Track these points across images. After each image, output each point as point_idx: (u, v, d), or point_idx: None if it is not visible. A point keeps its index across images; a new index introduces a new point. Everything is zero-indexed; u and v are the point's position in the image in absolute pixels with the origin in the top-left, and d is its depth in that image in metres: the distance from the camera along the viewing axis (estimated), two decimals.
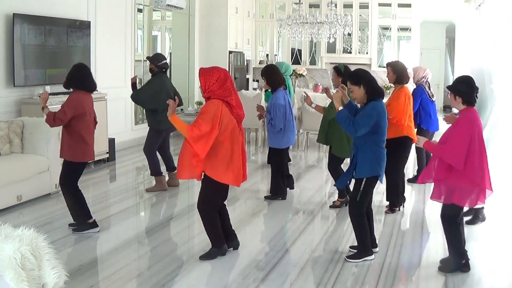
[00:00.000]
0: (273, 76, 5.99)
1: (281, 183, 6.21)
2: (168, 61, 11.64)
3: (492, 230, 5.24)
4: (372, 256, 4.36)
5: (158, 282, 3.91)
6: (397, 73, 5.59)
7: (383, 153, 4.27)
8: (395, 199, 5.68)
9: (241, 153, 4.21)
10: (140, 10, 10.37)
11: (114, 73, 8.79)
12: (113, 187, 6.95)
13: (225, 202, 4.52)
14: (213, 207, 4.28)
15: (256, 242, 4.88)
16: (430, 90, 6.78)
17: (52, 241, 4.43)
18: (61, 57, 7.37)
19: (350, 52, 12.88)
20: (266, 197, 6.22)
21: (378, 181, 4.30)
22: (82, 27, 7.76)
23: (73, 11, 7.65)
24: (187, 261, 4.31)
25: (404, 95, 5.52)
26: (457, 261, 4.10)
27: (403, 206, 5.81)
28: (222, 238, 4.36)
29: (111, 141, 8.04)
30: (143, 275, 4.05)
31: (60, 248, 4.48)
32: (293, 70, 10.69)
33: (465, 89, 3.90)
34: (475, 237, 4.94)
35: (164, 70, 6.41)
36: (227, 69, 11.70)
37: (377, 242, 4.55)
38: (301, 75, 11.53)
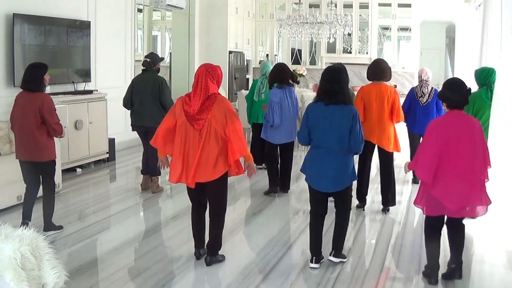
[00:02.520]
0: (277, 74, 6.25)
1: (272, 178, 6.35)
2: (168, 60, 11.73)
3: (492, 230, 5.24)
4: (312, 264, 4.19)
5: (158, 282, 3.91)
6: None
7: (310, 154, 4.19)
8: (358, 194, 5.73)
9: (186, 153, 4.05)
10: (140, 10, 10.38)
11: (114, 73, 8.79)
12: (113, 187, 6.95)
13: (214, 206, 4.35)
14: (192, 206, 4.35)
15: (256, 242, 4.87)
16: (420, 89, 6.67)
17: (52, 241, 4.45)
18: (61, 57, 7.37)
19: (350, 52, 12.87)
20: (264, 193, 6.39)
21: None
22: (82, 27, 7.76)
23: (73, 11, 7.64)
24: (187, 261, 4.31)
25: (359, 93, 5.53)
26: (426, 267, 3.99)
27: (363, 209, 5.75)
28: (196, 241, 4.34)
29: (111, 141, 8.04)
30: (143, 275, 4.05)
31: (60, 248, 4.49)
32: (293, 70, 10.69)
33: (447, 94, 3.74)
34: (473, 236, 4.94)
35: (143, 68, 6.44)
36: (227, 69, 11.70)
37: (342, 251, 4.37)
38: (301, 75, 11.52)
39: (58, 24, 7.30)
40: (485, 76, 5.26)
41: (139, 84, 6.32)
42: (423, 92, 6.65)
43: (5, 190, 5.42)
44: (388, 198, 5.73)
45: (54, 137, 4.92)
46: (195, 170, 4.02)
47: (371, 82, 5.60)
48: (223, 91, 10.65)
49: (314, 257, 4.21)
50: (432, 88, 6.73)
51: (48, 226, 4.95)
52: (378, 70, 5.55)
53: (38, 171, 4.91)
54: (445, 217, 3.90)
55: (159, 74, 6.51)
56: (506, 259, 4.55)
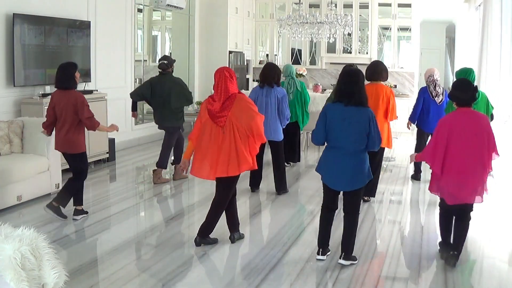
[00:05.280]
0: (261, 75, 6.54)
1: (251, 175, 6.51)
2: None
3: (493, 228, 5.24)
4: (319, 256, 4.31)
5: (158, 282, 3.91)
6: None
7: (326, 155, 4.23)
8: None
9: (207, 149, 4.39)
10: (140, 10, 10.37)
11: (114, 73, 8.79)
12: (113, 187, 6.95)
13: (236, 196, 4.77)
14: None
15: (257, 241, 4.88)
16: (435, 89, 6.77)
17: (52, 241, 4.45)
18: (61, 57, 7.35)
19: (350, 52, 12.86)
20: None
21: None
22: (82, 27, 7.76)
23: (73, 11, 7.64)
24: (187, 261, 4.32)
25: None
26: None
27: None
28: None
29: (111, 141, 8.04)
30: (143, 275, 4.05)
31: (60, 248, 4.49)
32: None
33: (455, 93, 4.17)
34: (476, 233, 4.94)
35: (159, 71, 6.77)
36: None
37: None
38: (301, 75, 11.52)
39: (58, 24, 7.30)
40: (464, 77, 5.41)
41: (158, 86, 6.69)
42: (437, 91, 6.76)
43: (5, 190, 5.42)
44: (371, 189, 5.94)
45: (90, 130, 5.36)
46: (217, 166, 4.36)
47: (369, 82, 5.71)
48: None
49: (320, 249, 4.32)
50: (442, 87, 6.89)
51: (50, 205, 5.22)
52: (376, 71, 5.86)
53: (72, 161, 5.34)
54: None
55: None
56: (506, 257, 4.55)
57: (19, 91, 6.81)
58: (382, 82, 5.88)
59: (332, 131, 4.14)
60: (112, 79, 8.62)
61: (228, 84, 4.39)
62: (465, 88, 4.14)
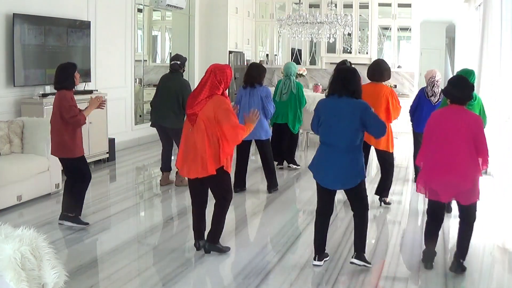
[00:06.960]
0: (245, 76, 6.46)
1: (236, 176, 6.34)
2: (168, 60, 11.73)
3: (493, 228, 5.24)
4: (315, 262, 4.22)
5: (158, 282, 3.91)
6: None
7: (319, 151, 4.15)
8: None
9: (184, 147, 4.25)
10: (140, 10, 10.38)
11: (114, 73, 8.79)
12: (113, 187, 6.94)
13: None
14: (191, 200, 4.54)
15: (256, 242, 4.88)
16: (432, 89, 6.75)
17: (52, 241, 4.44)
18: (61, 57, 7.35)
19: (350, 52, 12.85)
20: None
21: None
22: (82, 27, 7.76)
23: (73, 11, 7.64)
24: (187, 261, 4.31)
25: None
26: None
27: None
28: (195, 233, 4.52)
29: (111, 141, 8.04)
30: (143, 275, 4.05)
31: (60, 248, 4.49)
32: None
33: (449, 90, 4.02)
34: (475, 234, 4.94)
35: (170, 70, 6.65)
36: None
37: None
38: (301, 75, 11.52)
39: (58, 24, 7.30)
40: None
41: (164, 84, 6.54)
42: (434, 91, 6.72)
43: (5, 190, 5.42)
44: (383, 191, 6.00)
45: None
46: (188, 165, 4.21)
47: (370, 82, 5.65)
48: None
49: (316, 255, 4.24)
50: (442, 89, 6.83)
51: (64, 216, 5.09)
52: (378, 72, 5.72)
53: (68, 166, 5.08)
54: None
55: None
56: (506, 258, 4.55)
57: (19, 91, 6.81)
58: (383, 83, 5.76)
59: (323, 126, 4.08)
60: (112, 79, 8.62)
61: (211, 84, 4.14)
62: (461, 86, 3.99)
